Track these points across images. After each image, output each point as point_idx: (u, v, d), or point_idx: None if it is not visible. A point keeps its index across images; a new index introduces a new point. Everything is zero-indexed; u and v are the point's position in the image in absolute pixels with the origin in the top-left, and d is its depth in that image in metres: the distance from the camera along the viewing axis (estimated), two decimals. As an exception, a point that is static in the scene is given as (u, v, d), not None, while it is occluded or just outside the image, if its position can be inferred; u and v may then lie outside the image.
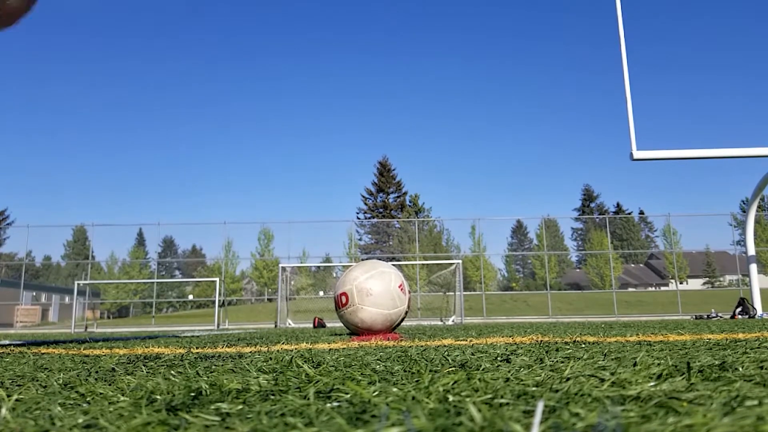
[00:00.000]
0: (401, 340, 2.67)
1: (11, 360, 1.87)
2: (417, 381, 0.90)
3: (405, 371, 1.09)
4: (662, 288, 54.02)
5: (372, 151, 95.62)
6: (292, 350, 2.09)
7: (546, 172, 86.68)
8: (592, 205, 68.67)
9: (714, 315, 16.48)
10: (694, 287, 45.85)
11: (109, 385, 1.03)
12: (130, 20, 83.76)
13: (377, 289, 2.51)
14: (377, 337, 2.90)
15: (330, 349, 2.09)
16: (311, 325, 15.46)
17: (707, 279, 49.83)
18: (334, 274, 39.73)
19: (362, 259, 42.50)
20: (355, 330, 2.38)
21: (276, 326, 17.80)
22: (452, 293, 20.56)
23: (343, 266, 35.59)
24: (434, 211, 62.30)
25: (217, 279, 22.06)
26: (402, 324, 3.27)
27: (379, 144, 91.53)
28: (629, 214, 65.04)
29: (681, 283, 39.73)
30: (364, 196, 64.07)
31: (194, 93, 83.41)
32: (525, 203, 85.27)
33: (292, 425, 0.59)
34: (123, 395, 0.86)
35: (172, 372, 1.20)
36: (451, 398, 0.72)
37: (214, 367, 1.34)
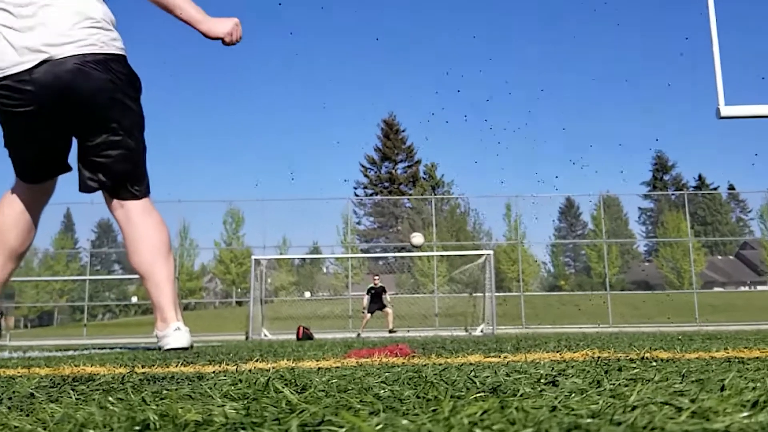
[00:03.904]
0: (413, 356, 2.68)
1: None
2: (434, 410, 0.90)
3: (418, 397, 1.10)
4: (758, 287, 54.07)
5: (374, 106, 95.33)
6: (268, 370, 2.10)
7: (605, 134, 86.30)
8: (667, 177, 68.63)
9: (828, 323, 16.49)
10: (801, 286, 45.86)
11: (27, 415, 1.04)
12: None
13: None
14: (381, 353, 2.91)
15: (319, 369, 2.10)
16: (294, 337, 15.56)
17: (819, 276, 49.84)
18: (325, 269, 39.86)
19: (361, 250, 42.56)
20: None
21: (248, 338, 17.87)
22: (480, 295, 20.62)
23: (337, 258, 35.73)
24: (457, 185, 62.33)
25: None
26: (415, 336, 3.77)
27: (383, 97, 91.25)
28: (715, 189, 65.05)
29: (784, 280, 39.69)
30: (364, 166, 64.21)
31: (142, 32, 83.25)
32: (577, 175, 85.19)
33: (269, 469, 0.59)
34: (45, 429, 0.87)
35: (110, 398, 1.20)
36: (479, 433, 0.72)
37: (165, 392, 1.35)
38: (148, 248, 4.37)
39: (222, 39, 4.47)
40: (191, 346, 4.50)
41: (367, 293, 20.51)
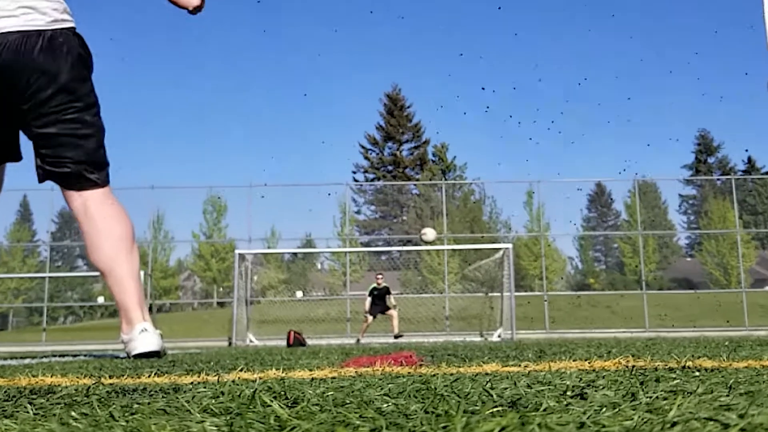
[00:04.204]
0: (421, 365, 2.69)
1: None
2: (445, 427, 0.90)
3: (426, 412, 1.10)
4: (818, 286, 54.02)
5: (376, 78, 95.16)
6: (255, 380, 2.10)
7: (640, 111, 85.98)
8: (711, 160, 68.44)
9: None
10: None
11: (-21, 432, 1.04)
12: None
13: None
14: (384, 361, 2.91)
15: (312, 380, 2.10)
16: (284, 343, 15.59)
17: None
18: (319, 266, 39.85)
19: (361, 243, 42.52)
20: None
21: (231, 344, 17.90)
22: (498, 294, 20.64)
23: (333, 253, 35.74)
24: (471, 169, 62.24)
25: (142, 272, 22.15)
26: (423, 342, 3.76)
27: (386, 68, 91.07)
28: (767, 174, 64.84)
29: None
30: (364, 147, 64.10)
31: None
32: (609, 158, 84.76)
33: (255, 494, 0.59)
34: (-1, 448, 0.87)
35: (73, 413, 1.21)
36: (496, 453, 0.72)
37: (136, 406, 1.35)
38: (109, 242, 4.41)
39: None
40: (163, 351, 4.49)
41: (369, 295, 20.24)
